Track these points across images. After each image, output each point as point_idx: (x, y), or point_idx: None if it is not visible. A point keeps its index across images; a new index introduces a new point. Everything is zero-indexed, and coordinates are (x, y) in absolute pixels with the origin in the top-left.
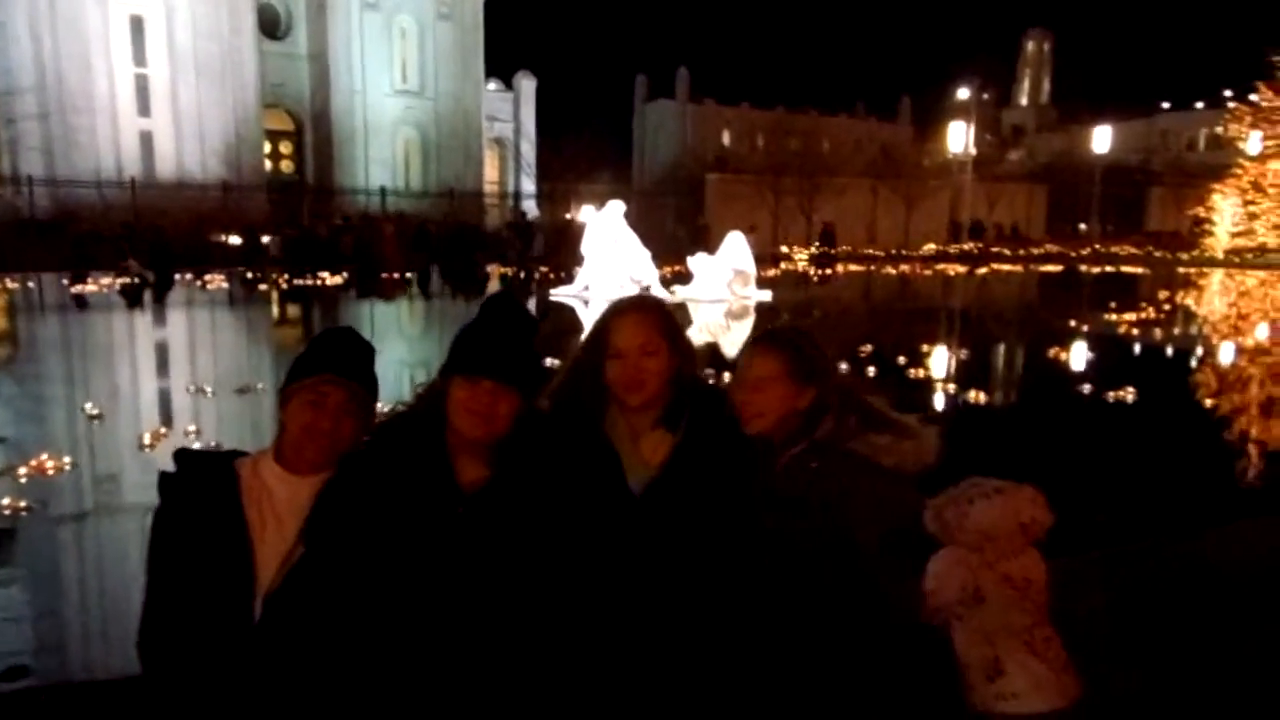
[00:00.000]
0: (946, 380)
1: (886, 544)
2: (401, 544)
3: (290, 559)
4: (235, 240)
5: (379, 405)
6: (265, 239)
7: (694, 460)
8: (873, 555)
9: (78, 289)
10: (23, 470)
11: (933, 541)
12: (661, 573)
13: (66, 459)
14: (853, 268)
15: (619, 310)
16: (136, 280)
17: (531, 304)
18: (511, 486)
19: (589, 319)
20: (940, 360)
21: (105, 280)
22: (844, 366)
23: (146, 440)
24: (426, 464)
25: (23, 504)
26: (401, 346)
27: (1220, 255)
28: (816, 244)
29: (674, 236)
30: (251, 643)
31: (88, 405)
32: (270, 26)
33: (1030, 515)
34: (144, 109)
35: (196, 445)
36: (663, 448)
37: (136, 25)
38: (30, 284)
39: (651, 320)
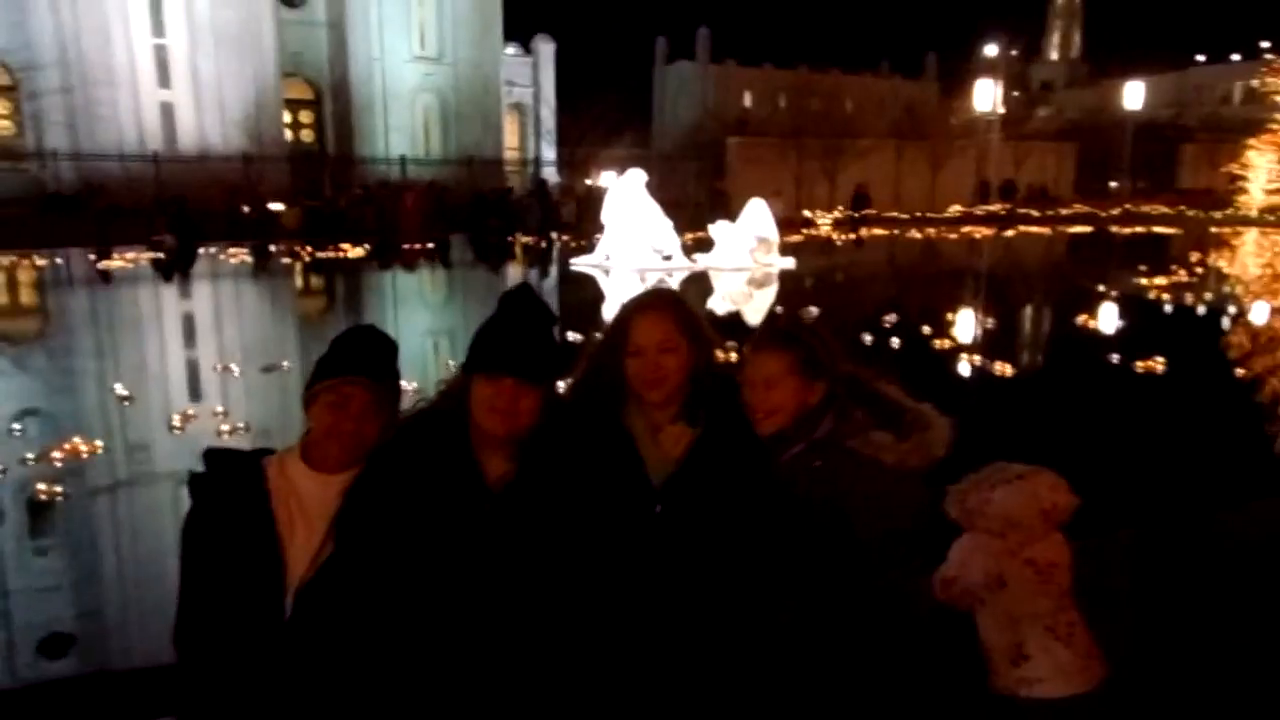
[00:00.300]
0: (970, 352)
1: (889, 543)
2: (430, 540)
3: (320, 556)
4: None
5: (406, 385)
6: (279, 208)
7: (714, 454)
8: (876, 553)
9: (102, 264)
10: (55, 454)
11: (938, 539)
12: (682, 566)
13: (97, 441)
14: (878, 231)
15: (637, 307)
16: (169, 254)
17: (552, 271)
18: (536, 483)
19: (610, 289)
20: (964, 330)
21: (131, 254)
22: (866, 338)
23: (175, 421)
24: (452, 461)
25: (56, 489)
26: (426, 318)
27: (1255, 214)
28: (849, 207)
29: (695, 202)
30: (283, 637)
31: (117, 386)
32: None
33: (1052, 500)
34: (164, 80)
35: (225, 428)
36: (683, 442)
37: None
38: (57, 259)
39: (670, 317)
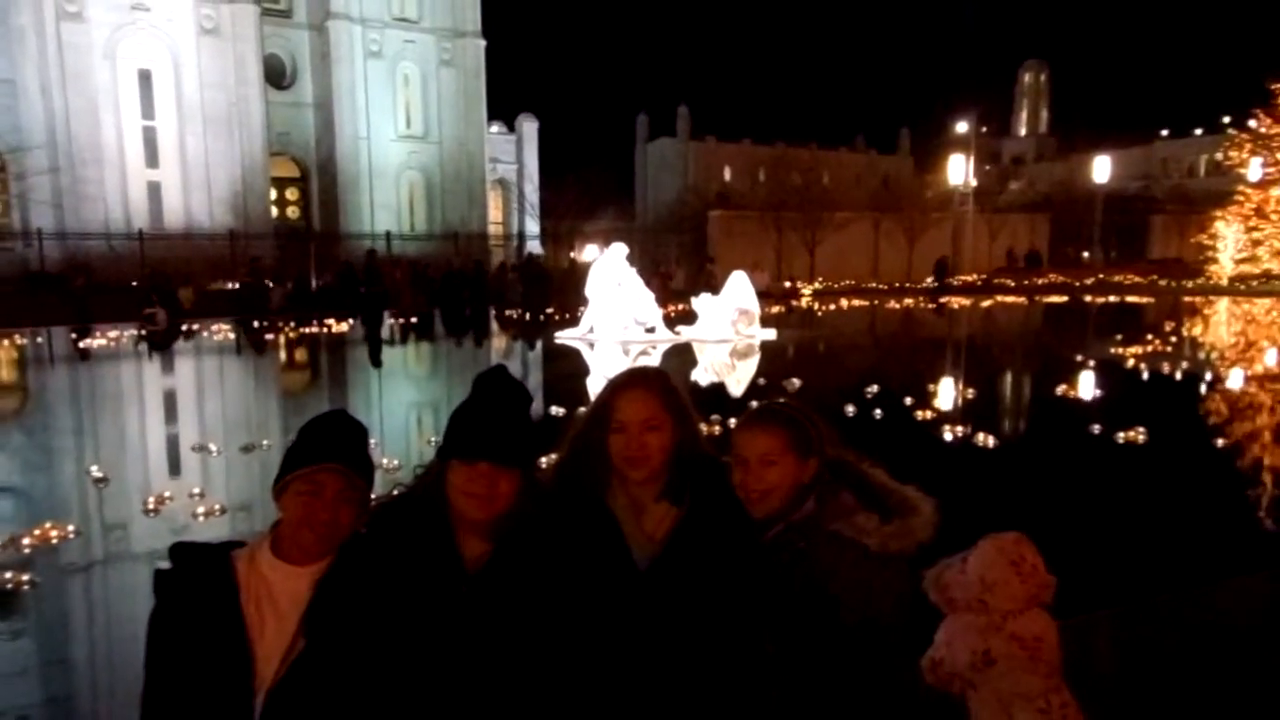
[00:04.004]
0: (951, 423)
1: (872, 628)
2: (405, 630)
3: (291, 653)
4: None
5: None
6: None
7: (697, 534)
8: (858, 638)
9: (84, 343)
10: (25, 540)
11: (923, 626)
12: (666, 648)
13: (70, 527)
14: (857, 302)
15: (622, 384)
16: (161, 329)
17: (536, 345)
18: (515, 565)
19: (594, 362)
20: (945, 400)
21: (114, 332)
22: (848, 409)
23: (150, 504)
24: (430, 545)
25: (25, 577)
26: (406, 394)
27: (1225, 283)
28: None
29: (677, 273)
30: None
31: (93, 467)
32: (276, 76)
33: (1018, 553)
34: (152, 160)
35: (200, 510)
36: (666, 521)
37: (144, 79)
38: (38, 338)
39: (655, 395)
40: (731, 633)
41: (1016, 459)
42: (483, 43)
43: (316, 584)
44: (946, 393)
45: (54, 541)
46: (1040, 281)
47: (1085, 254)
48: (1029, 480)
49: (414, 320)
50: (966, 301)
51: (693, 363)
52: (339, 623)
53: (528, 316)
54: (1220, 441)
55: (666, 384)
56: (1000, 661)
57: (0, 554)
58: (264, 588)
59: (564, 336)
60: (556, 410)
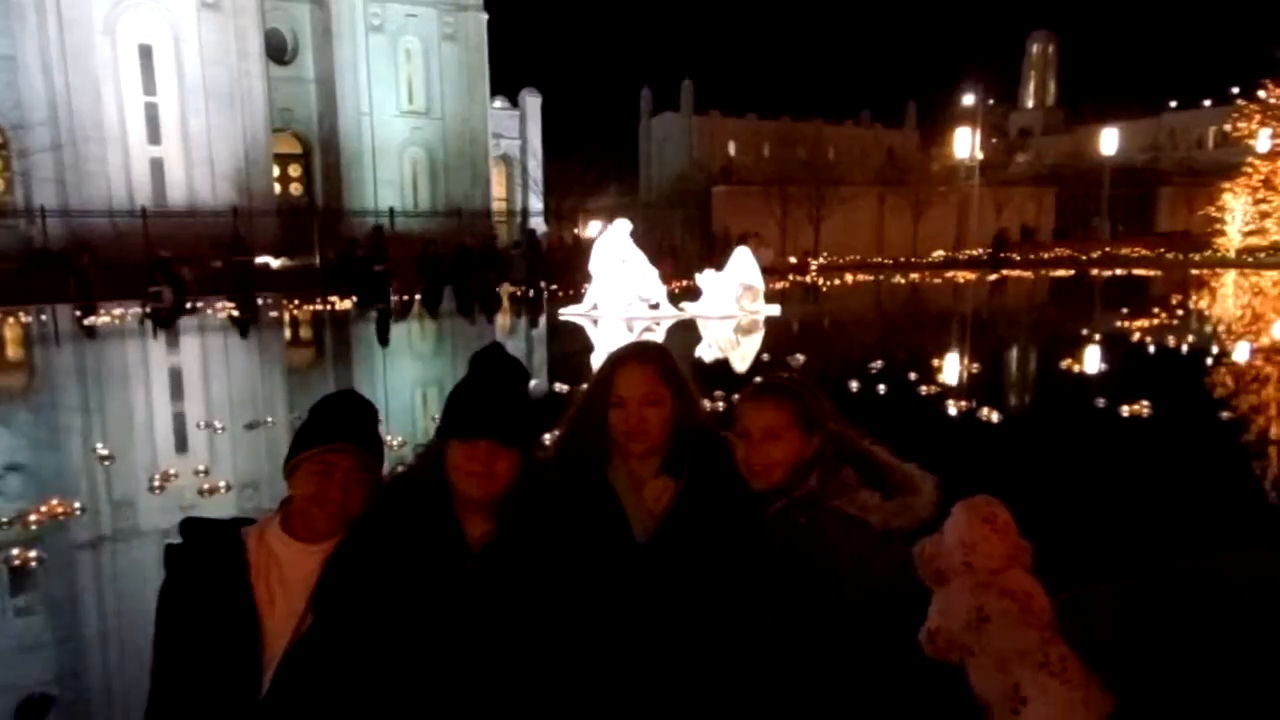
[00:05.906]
0: (955, 398)
1: (873, 603)
2: (411, 607)
3: (301, 629)
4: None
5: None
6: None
7: (697, 508)
8: (860, 613)
9: (89, 321)
10: (32, 516)
11: (922, 603)
12: (668, 622)
13: (76, 504)
14: (862, 277)
15: (622, 358)
16: (167, 307)
17: (540, 321)
18: (517, 542)
19: (598, 338)
20: (949, 375)
21: (118, 310)
22: (852, 385)
23: (156, 481)
24: (433, 525)
25: (31, 554)
26: (413, 371)
27: (1233, 255)
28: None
29: (684, 250)
30: (260, 716)
31: (98, 445)
32: (277, 52)
33: (989, 510)
34: (154, 137)
35: (206, 486)
36: (665, 495)
37: (145, 54)
38: (42, 315)
39: (654, 369)
40: (731, 606)
41: (1020, 435)
42: (485, 16)
43: (325, 562)
44: (951, 368)
45: (60, 518)
46: (1046, 256)
47: (1095, 220)
48: (1032, 456)
49: (416, 298)
50: (972, 275)
51: (697, 339)
52: (347, 601)
53: (531, 293)
54: (1226, 415)
55: (666, 358)
56: (994, 618)
57: (7, 531)
58: (274, 564)
59: (568, 313)
60: (560, 387)
